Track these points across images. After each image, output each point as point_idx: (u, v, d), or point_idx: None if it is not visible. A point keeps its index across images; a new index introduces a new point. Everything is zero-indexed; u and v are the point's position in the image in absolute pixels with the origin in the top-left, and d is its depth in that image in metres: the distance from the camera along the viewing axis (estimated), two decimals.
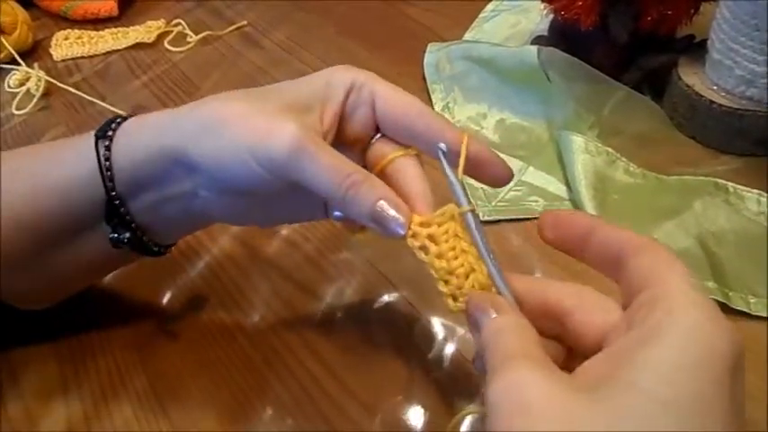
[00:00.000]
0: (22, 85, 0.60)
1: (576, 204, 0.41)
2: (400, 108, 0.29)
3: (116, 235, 0.32)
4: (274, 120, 0.27)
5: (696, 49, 0.46)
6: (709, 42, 0.44)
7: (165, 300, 0.40)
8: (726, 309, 0.35)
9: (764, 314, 0.35)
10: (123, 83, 0.61)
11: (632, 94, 0.46)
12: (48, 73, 0.61)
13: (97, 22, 0.70)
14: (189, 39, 0.65)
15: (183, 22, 0.66)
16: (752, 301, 0.35)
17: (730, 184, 0.40)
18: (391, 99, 0.29)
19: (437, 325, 0.36)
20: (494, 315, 0.23)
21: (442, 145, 0.28)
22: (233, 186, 0.29)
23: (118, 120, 0.32)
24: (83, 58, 0.66)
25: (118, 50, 0.66)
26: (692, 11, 0.46)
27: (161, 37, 0.66)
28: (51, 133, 0.56)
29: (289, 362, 0.36)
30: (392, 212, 0.26)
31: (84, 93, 0.60)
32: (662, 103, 0.47)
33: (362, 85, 0.29)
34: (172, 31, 0.66)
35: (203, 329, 0.38)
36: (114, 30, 0.68)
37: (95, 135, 0.31)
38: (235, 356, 0.36)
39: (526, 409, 0.18)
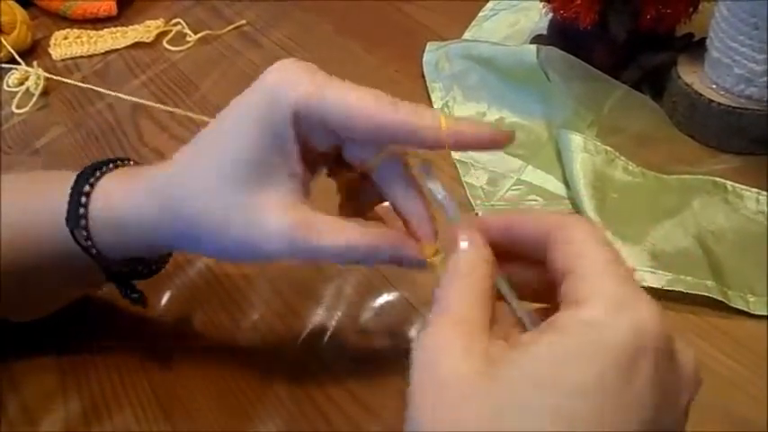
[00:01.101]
0: (21, 84, 0.60)
1: (575, 203, 0.41)
2: (357, 117, 0.25)
3: (125, 293, 0.33)
4: (254, 220, 0.26)
5: (695, 47, 0.46)
6: (708, 41, 0.44)
7: (164, 300, 0.40)
8: (725, 307, 0.35)
9: (763, 313, 0.35)
10: (122, 82, 0.61)
11: (631, 92, 0.46)
12: (47, 72, 0.61)
13: (96, 22, 0.70)
14: (188, 38, 0.65)
15: (182, 22, 0.66)
16: (751, 299, 0.35)
17: (729, 182, 0.40)
18: (344, 110, 0.25)
19: None
20: (462, 245, 0.23)
21: (421, 167, 0.26)
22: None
23: (82, 200, 0.30)
24: (82, 57, 0.65)
25: (117, 50, 0.66)
26: (691, 9, 0.45)
27: (160, 36, 0.66)
28: (51, 133, 0.56)
29: (289, 362, 0.36)
30: (410, 256, 0.27)
31: (84, 91, 0.60)
32: (661, 101, 0.47)
33: (308, 110, 0.25)
34: (171, 31, 0.66)
35: (203, 330, 0.38)
36: (113, 29, 0.68)
37: (68, 226, 0.29)
38: (234, 357, 0.36)
39: (435, 376, 0.20)
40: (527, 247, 0.24)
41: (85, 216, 0.30)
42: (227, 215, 0.27)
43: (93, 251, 0.30)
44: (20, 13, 0.65)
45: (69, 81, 0.60)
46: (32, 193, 0.33)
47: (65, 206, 0.30)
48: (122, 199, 0.30)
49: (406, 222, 0.28)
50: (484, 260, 0.23)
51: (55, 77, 0.61)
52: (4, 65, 0.63)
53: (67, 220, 0.30)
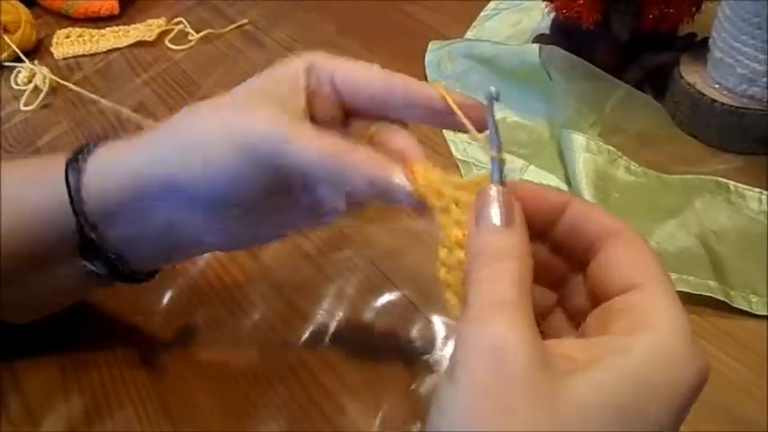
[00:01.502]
0: (29, 82, 0.60)
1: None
2: (363, 79, 0.28)
3: (92, 268, 0.31)
4: (252, 106, 0.26)
5: (698, 47, 0.46)
6: (710, 41, 0.44)
7: (165, 299, 0.40)
8: (727, 307, 0.35)
9: (766, 313, 0.35)
10: (124, 81, 0.61)
11: (634, 92, 0.46)
12: (50, 71, 0.61)
13: (98, 21, 0.70)
14: (190, 37, 0.65)
15: (184, 21, 0.66)
16: (753, 299, 0.35)
17: (732, 182, 0.40)
18: (351, 72, 0.28)
19: (438, 324, 0.36)
20: (495, 219, 0.21)
21: (493, 89, 0.23)
22: (217, 194, 0.27)
23: (90, 146, 0.30)
24: (84, 56, 0.65)
25: (119, 48, 0.66)
26: (694, 9, 0.45)
27: (162, 35, 0.66)
28: (52, 132, 0.56)
29: (290, 361, 0.36)
30: (393, 176, 0.24)
31: (86, 91, 0.60)
32: (663, 101, 0.47)
33: (320, 66, 0.28)
34: (173, 30, 0.66)
35: (204, 328, 0.38)
36: (115, 28, 0.68)
37: (66, 162, 0.30)
38: (235, 355, 0.36)
39: (504, 376, 0.18)
40: (569, 239, 0.23)
41: (85, 158, 0.29)
42: (229, 105, 0.27)
43: (76, 196, 0.29)
44: (24, 12, 0.65)
45: (72, 86, 0.59)
46: (30, 168, 0.33)
47: (62, 176, 0.29)
48: (122, 142, 0.30)
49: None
50: (527, 246, 0.21)
51: (59, 81, 0.60)
52: (8, 63, 0.63)
53: (69, 160, 0.29)
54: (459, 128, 0.26)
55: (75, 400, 0.35)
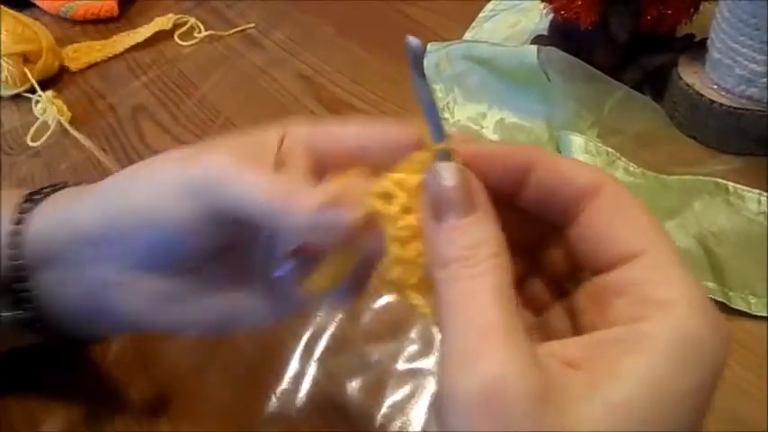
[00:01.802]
0: (45, 112, 0.57)
1: None
2: (335, 137, 0.25)
3: (9, 313, 0.28)
4: (199, 152, 0.24)
5: (696, 48, 0.46)
6: (709, 41, 0.44)
7: None
8: (726, 308, 0.35)
9: (764, 314, 0.35)
10: (123, 84, 0.61)
11: (632, 93, 0.46)
12: (73, 98, 0.59)
13: (97, 23, 0.70)
14: (196, 34, 0.65)
15: (192, 19, 0.67)
16: (752, 300, 0.35)
17: (730, 183, 0.40)
18: (323, 132, 0.25)
19: (436, 327, 0.36)
20: (460, 212, 0.18)
21: (413, 41, 0.19)
22: (159, 245, 0.25)
23: (46, 190, 0.29)
24: (99, 63, 0.65)
25: (133, 47, 0.65)
26: (692, 10, 0.45)
27: (161, 36, 0.66)
28: (70, 161, 0.53)
29: (288, 361, 0.36)
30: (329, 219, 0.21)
31: (90, 98, 0.60)
32: (662, 102, 0.47)
33: (292, 130, 0.25)
34: (180, 27, 0.66)
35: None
36: (121, 35, 0.67)
37: (21, 203, 0.28)
38: (234, 356, 0.36)
39: (506, 425, 0.15)
40: (541, 203, 0.19)
41: (37, 202, 0.28)
42: (168, 156, 0.25)
43: (18, 227, 0.27)
44: (45, 38, 0.61)
45: (76, 134, 0.54)
46: None
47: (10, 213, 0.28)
48: (75, 188, 0.29)
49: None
50: (501, 237, 0.18)
51: (64, 123, 0.56)
52: (27, 94, 0.59)
53: (24, 200, 0.28)
54: None
55: (75, 400, 0.35)
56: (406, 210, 0.19)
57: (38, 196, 0.29)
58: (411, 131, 0.22)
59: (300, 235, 0.23)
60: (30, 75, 0.59)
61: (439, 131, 0.19)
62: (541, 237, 0.21)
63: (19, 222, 0.27)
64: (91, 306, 0.27)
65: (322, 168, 0.25)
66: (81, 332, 0.31)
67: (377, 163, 0.23)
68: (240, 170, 0.23)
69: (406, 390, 0.34)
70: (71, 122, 0.57)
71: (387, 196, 0.20)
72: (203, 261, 0.25)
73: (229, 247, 0.25)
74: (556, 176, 0.19)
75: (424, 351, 0.35)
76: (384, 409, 0.33)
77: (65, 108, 0.57)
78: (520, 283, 0.22)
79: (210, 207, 0.23)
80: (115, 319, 0.28)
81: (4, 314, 0.28)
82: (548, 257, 0.22)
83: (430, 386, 0.34)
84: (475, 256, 0.17)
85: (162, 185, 0.24)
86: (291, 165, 0.25)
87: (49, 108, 0.56)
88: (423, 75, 0.19)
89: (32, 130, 0.56)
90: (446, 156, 0.18)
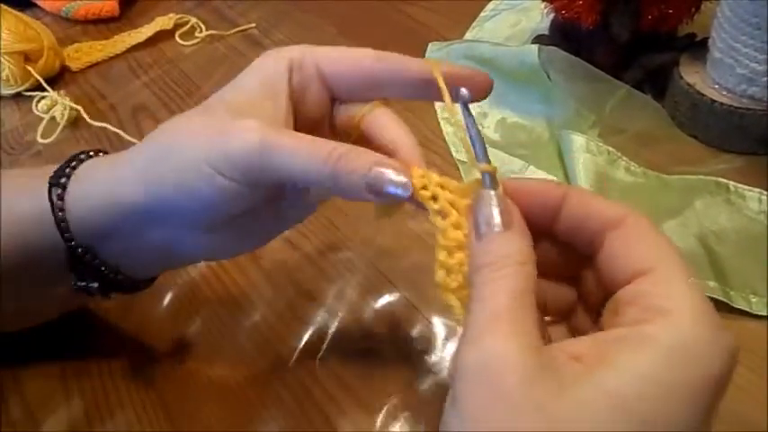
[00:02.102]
0: (49, 110, 0.57)
1: None
2: (351, 63, 0.27)
3: (83, 283, 0.30)
4: (226, 122, 0.25)
5: (697, 47, 0.46)
6: (710, 41, 0.44)
7: (166, 300, 0.40)
8: (727, 307, 0.35)
9: (765, 313, 0.34)
10: (124, 83, 0.61)
11: (633, 92, 0.46)
12: (74, 98, 0.58)
13: (98, 23, 0.70)
14: (197, 33, 0.65)
15: (193, 19, 0.66)
16: (753, 300, 0.35)
17: (731, 182, 0.40)
18: (338, 59, 0.27)
19: (438, 325, 0.36)
20: (496, 227, 0.21)
21: (464, 91, 0.23)
22: (203, 216, 0.27)
23: (73, 164, 0.30)
24: (100, 63, 0.64)
25: (133, 47, 0.65)
26: (693, 9, 0.45)
27: (162, 36, 0.66)
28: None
29: (291, 363, 0.36)
30: (390, 175, 0.23)
31: (91, 98, 0.60)
32: (663, 101, 0.47)
33: (302, 61, 0.27)
34: (176, 28, 0.66)
35: (205, 330, 0.38)
36: (122, 35, 0.68)
37: (49, 182, 0.29)
38: (235, 356, 0.37)
39: (501, 396, 0.17)
40: (573, 232, 0.22)
41: (69, 176, 0.29)
42: (205, 123, 0.26)
43: (60, 214, 0.28)
44: (47, 38, 0.61)
45: (95, 123, 0.56)
46: (17, 183, 0.31)
47: (46, 190, 0.29)
48: (104, 158, 0.30)
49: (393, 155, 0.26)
50: (530, 250, 0.20)
51: (81, 111, 0.57)
52: (30, 92, 0.59)
53: (52, 176, 0.29)
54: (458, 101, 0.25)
55: (76, 401, 0.35)
56: (456, 225, 0.23)
57: (63, 176, 0.29)
58: (422, 62, 0.26)
59: (344, 194, 0.25)
60: (33, 72, 0.59)
61: (486, 162, 0.22)
62: (579, 266, 0.24)
63: (60, 210, 0.28)
64: (152, 258, 0.31)
65: (333, 91, 0.28)
66: (144, 276, 0.33)
67: (388, 87, 0.27)
68: (278, 138, 0.24)
69: (407, 388, 0.34)
70: (73, 122, 0.57)
71: (443, 212, 0.23)
72: (247, 213, 0.27)
73: (269, 197, 0.27)
74: (585, 210, 0.22)
75: (425, 350, 0.35)
76: (385, 409, 0.33)
77: (74, 105, 0.57)
78: (567, 314, 0.25)
79: (253, 177, 0.25)
80: (175, 261, 0.32)
81: (78, 284, 0.30)
82: (585, 287, 0.24)
83: (430, 384, 0.34)
84: (503, 263, 0.20)
85: (196, 164, 0.25)
86: (312, 103, 0.27)
87: (60, 104, 0.56)
88: (472, 116, 0.23)
89: (41, 126, 0.56)
90: (491, 183, 0.22)
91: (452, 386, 0.19)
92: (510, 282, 0.19)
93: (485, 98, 0.27)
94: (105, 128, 0.55)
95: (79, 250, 0.29)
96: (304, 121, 0.28)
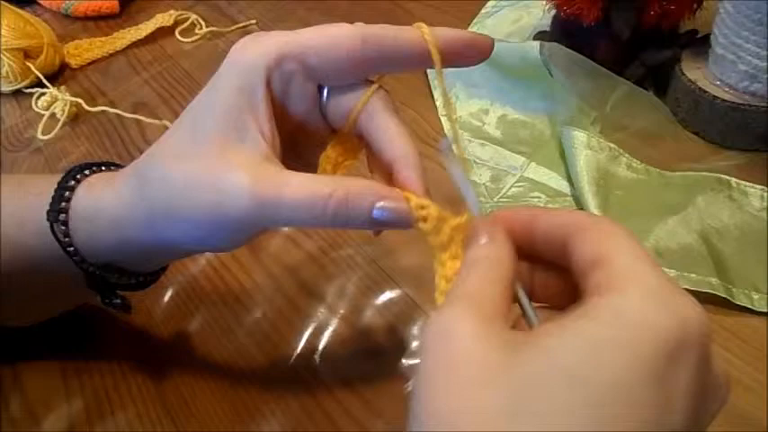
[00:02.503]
0: (49, 107, 0.57)
1: (579, 200, 0.41)
2: (337, 49, 0.25)
3: (107, 300, 0.32)
4: (219, 179, 0.24)
5: (699, 44, 0.46)
6: (712, 37, 0.44)
7: (166, 297, 0.40)
8: (729, 304, 0.35)
9: (766, 310, 0.34)
10: (124, 80, 0.61)
11: (635, 89, 0.46)
12: (74, 95, 0.58)
13: (98, 20, 0.70)
14: (197, 30, 0.65)
15: (193, 15, 0.66)
16: (755, 296, 0.35)
17: (734, 179, 0.40)
18: (323, 47, 0.25)
19: None
20: (482, 241, 0.22)
21: (444, 141, 0.25)
22: (217, 245, 0.29)
23: (66, 195, 0.29)
24: (99, 60, 0.64)
25: (133, 44, 0.65)
26: (695, 6, 0.45)
27: (161, 33, 0.66)
28: (71, 157, 0.53)
29: (291, 360, 0.36)
30: (391, 215, 0.24)
31: (91, 94, 0.60)
32: (665, 98, 0.47)
33: (281, 56, 0.25)
34: (176, 25, 0.66)
35: (206, 327, 0.38)
36: (122, 31, 0.67)
37: (49, 219, 0.29)
38: (237, 354, 0.36)
39: (450, 357, 0.18)
40: (547, 245, 0.22)
41: (66, 210, 0.29)
42: (198, 177, 0.25)
43: (71, 248, 0.29)
44: (47, 34, 0.61)
45: (94, 108, 0.56)
46: (18, 194, 0.31)
47: (47, 206, 0.29)
48: (102, 189, 0.29)
49: (392, 172, 0.26)
50: (507, 254, 0.22)
51: (84, 105, 0.57)
52: (30, 89, 0.59)
53: (49, 212, 0.29)
54: (451, 65, 0.26)
55: (76, 399, 0.35)
56: (455, 257, 0.24)
57: (61, 210, 0.29)
58: (412, 32, 0.25)
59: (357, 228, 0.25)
60: (33, 69, 0.59)
61: (474, 205, 0.24)
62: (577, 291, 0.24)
63: (70, 246, 0.29)
64: (160, 258, 0.32)
65: (320, 80, 0.26)
66: (152, 270, 0.33)
67: (380, 66, 0.26)
68: (273, 193, 0.24)
69: (408, 386, 0.34)
70: (73, 118, 0.57)
71: (443, 246, 0.24)
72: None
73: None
74: (551, 223, 0.22)
75: None
76: (388, 406, 0.33)
77: (74, 99, 0.57)
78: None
79: (252, 229, 0.26)
80: (183, 255, 0.35)
81: (104, 301, 0.32)
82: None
83: None
84: (480, 258, 0.22)
85: (197, 223, 0.26)
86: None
87: (60, 100, 0.56)
88: (457, 164, 0.24)
89: (41, 123, 0.56)
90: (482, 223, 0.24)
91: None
92: (481, 271, 0.21)
93: (487, 57, 0.27)
94: (105, 124, 0.55)
95: (90, 269, 0.30)
96: (290, 118, 0.27)
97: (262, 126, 0.25)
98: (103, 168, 0.31)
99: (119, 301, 0.32)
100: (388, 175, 0.26)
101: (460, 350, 0.18)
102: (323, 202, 0.24)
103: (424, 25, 0.25)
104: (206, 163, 0.25)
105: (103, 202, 0.29)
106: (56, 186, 0.29)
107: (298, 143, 0.28)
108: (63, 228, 0.29)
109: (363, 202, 0.24)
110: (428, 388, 0.18)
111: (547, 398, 0.17)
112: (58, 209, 0.29)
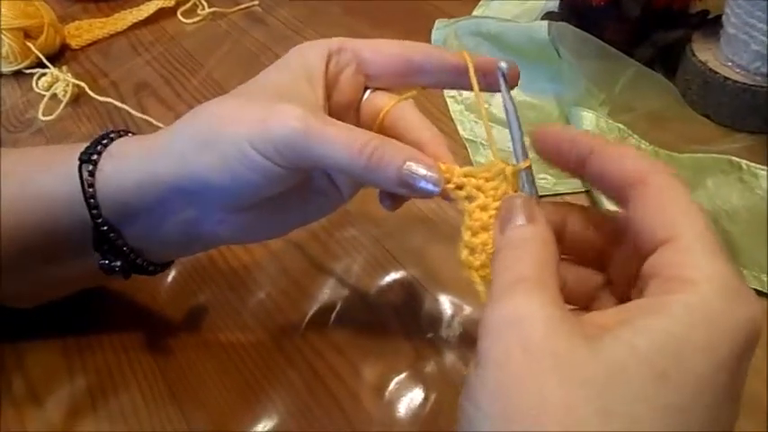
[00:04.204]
0: (50, 87, 0.56)
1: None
2: (389, 50, 0.29)
3: (106, 262, 0.30)
4: (269, 106, 0.26)
5: (710, 24, 0.45)
6: (724, 17, 0.43)
7: (170, 279, 0.39)
8: None
9: None
10: (126, 61, 0.60)
11: (644, 70, 0.45)
12: (75, 75, 0.57)
13: (99, 1, 0.69)
14: (200, 11, 0.64)
15: None
16: (765, 279, 0.35)
17: (744, 161, 0.39)
18: (377, 45, 0.29)
19: (444, 302, 0.36)
20: (520, 222, 0.22)
21: (503, 64, 0.26)
22: (240, 195, 0.27)
23: (104, 141, 0.30)
24: (101, 40, 0.64)
25: (131, 27, 0.64)
26: None
27: (163, 13, 0.65)
28: (72, 138, 0.53)
29: (296, 341, 0.35)
30: (422, 171, 0.24)
31: (92, 75, 0.59)
32: (674, 79, 0.46)
33: (339, 48, 0.29)
34: (178, 6, 0.65)
35: (210, 310, 0.38)
36: (124, 12, 0.67)
37: (79, 158, 0.29)
38: (242, 337, 0.36)
39: (526, 347, 0.17)
40: (602, 183, 0.22)
41: (100, 153, 0.29)
42: (248, 104, 0.26)
43: (90, 190, 0.28)
44: (47, 14, 0.60)
45: (98, 97, 0.55)
46: (47, 150, 0.33)
47: (76, 155, 0.29)
48: (140, 137, 0.30)
49: (420, 148, 0.27)
50: (551, 234, 0.22)
51: (86, 88, 0.56)
52: (31, 70, 0.59)
53: (82, 153, 0.29)
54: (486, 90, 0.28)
55: (79, 380, 0.35)
56: (482, 207, 0.24)
57: (94, 153, 0.29)
58: (454, 55, 0.28)
59: (376, 185, 0.27)
60: (34, 49, 0.58)
61: (521, 150, 0.24)
62: (607, 247, 0.24)
63: (90, 185, 0.29)
64: (174, 241, 0.31)
65: (369, 76, 0.29)
66: (163, 259, 0.33)
67: (422, 75, 0.28)
68: (318, 126, 0.25)
69: (413, 365, 0.33)
70: (75, 99, 0.56)
71: (469, 196, 0.24)
72: (278, 197, 0.28)
73: (299, 184, 0.28)
74: (606, 161, 0.21)
75: (431, 328, 0.35)
76: (391, 386, 0.33)
77: (76, 81, 0.56)
78: (592, 298, 0.25)
79: (293, 161, 0.25)
80: (196, 245, 0.33)
81: (101, 263, 0.31)
82: (614, 268, 0.24)
83: (437, 361, 0.33)
84: (525, 240, 0.21)
85: (240, 147, 0.25)
86: (348, 93, 0.29)
87: (62, 80, 0.56)
88: (511, 98, 0.25)
89: (42, 104, 0.55)
90: (527, 179, 0.24)
91: (477, 351, 0.19)
92: (533, 252, 0.20)
93: (514, 86, 0.27)
94: (107, 105, 0.55)
95: (104, 228, 0.29)
96: (334, 106, 0.29)
97: (317, 95, 0.27)
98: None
99: (118, 263, 0.31)
100: None
101: (538, 339, 0.17)
102: (361, 144, 0.24)
103: (466, 51, 0.28)
104: (258, 97, 0.27)
105: (139, 141, 0.30)
106: (100, 135, 0.30)
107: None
108: (90, 167, 0.29)
109: (397, 155, 0.25)
110: (503, 382, 0.17)
111: (636, 396, 0.16)
112: (93, 150, 0.29)
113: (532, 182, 0.24)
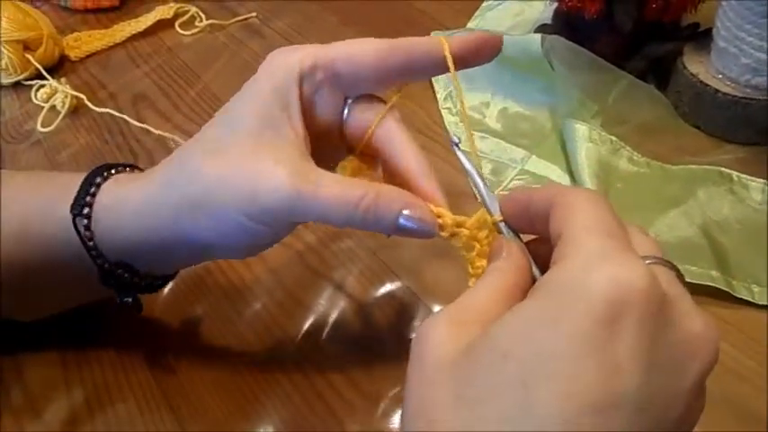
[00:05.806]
0: (49, 99, 0.56)
1: None
2: (365, 59, 0.27)
3: (120, 298, 0.31)
4: (255, 170, 0.25)
5: (701, 37, 0.46)
6: (714, 30, 0.44)
7: (167, 291, 0.40)
8: (729, 297, 0.35)
9: (767, 303, 0.34)
10: (124, 73, 0.61)
11: (636, 82, 0.46)
12: (73, 87, 0.57)
13: (98, 12, 0.70)
14: (197, 23, 0.65)
15: (193, 8, 0.66)
16: (755, 290, 0.35)
17: (735, 173, 0.40)
18: (352, 56, 0.27)
19: None
20: (502, 256, 0.23)
21: (455, 138, 0.27)
22: (238, 248, 0.29)
23: (91, 190, 0.29)
24: (99, 52, 0.64)
25: (129, 38, 0.65)
26: None
27: (161, 25, 0.66)
28: (71, 149, 0.53)
29: (292, 352, 0.36)
30: (417, 223, 0.25)
31: (90, 87, 0.60)
32: (666, 91, 0.47)
33: (313, 65, 0.27)
34: (176, 17, 0.66)
35: (206, 319, 0.38)
36: (122, 24, 0.67)
37: (72, 212, 0.29)
38: (237, 346, 0.36)
39: (419, 364, 0.20)
40: (541, 225, 0.23)
41: (90, 204, 0.29)
42: (233, 170, 0.26)
43: (90, 242, 0.29)
44: (46, 26, 0.60)
45: (97, 108, 0.55)
46: (46, 188, 0.32)
47: (71, 200, 0.29)
48: (130, 183, 0.30)
49: (408, 182, 0.27)
50: (514, 263, 0.23)
51: (84, 99, 0.56)
52: (30, 81, 0.59)
53: (73, 205, 0.29)
54: (467, 66, 0.28)
55: (77, 390, 0.35)
56: (481, 255, 0.26)
57: (85, 204, 0.29)
58: (430, 41, 0.27)
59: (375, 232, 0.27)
60: (33, 61, 0.58)
61: (493, 206, 0.25)
62: None
63: (90, 239, 0.29)
64: (176, 262, 0.32)
65: (346, 91, 0.28)
66: (164, 273, 0.34)
67: (401, 76, 0.28)
68: (309, 189, 0.25)
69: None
70: (73, 111, 0.57)
71: (467, 247, 0.26)
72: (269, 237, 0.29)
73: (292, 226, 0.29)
74: (533, 206, 0.23)
75: None
76: (387, 398, 0.33)
77: (75, 93, 0.56)
78: None
79: (285, 223, 0.27)
80: (198, 261, 0.33)
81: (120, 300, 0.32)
82: None
83: None
84: (487, 273, 0.23)
85: (231, 214, 0.26)
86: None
87: (60, 92, 0.56)
88: (471, 162, 0.26)
89: (41, 115, 0.55)
90: (504, 229, 0.25)
91: None
92: (486, 281, 0.22)
93: (499, 52, 0.28)
94: (105, 117, 0.55)
95: (106, 265, 0.30)
96: (314, 128, 0.28)
97: (295, 124, 0.27)
98: (127, 169, 0.32)
99: (130, 299, 0.32)
100: (401, 187, 0.27)
101: (428, 353, 0.20)
102: (355, 203, 0.25)
103: (441, 36, 0.27)
104: (242, 157, 0.26)
105: (130, 194, 0.29)
106: (82, 181, 0.30)
107: (315, 152, 0.28)
108: (85, 221, 0.29)
109: (392, 206, 0.25)
110: (406, 389, 0.20)
111: (483, 381, 0.18)
112: (83, 202, 0.29)
113: (509, 227, 0.25)
